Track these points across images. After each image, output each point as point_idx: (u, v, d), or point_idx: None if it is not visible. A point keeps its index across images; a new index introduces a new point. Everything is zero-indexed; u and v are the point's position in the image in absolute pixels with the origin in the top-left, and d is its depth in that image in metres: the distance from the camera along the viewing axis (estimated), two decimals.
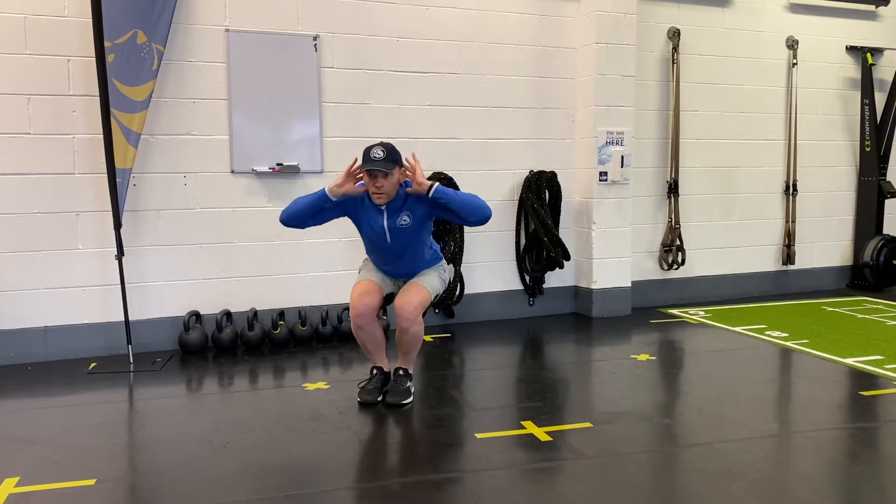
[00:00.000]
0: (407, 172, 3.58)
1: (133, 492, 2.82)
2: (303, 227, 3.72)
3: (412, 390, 3.82)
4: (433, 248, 3.90)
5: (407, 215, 3.61)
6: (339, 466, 2.98)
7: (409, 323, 3.60)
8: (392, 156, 3.50)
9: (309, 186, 5.09)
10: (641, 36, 5.90)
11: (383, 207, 3.60)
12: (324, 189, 3.58)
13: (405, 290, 3.73)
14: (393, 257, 3.76)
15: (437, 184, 3.55)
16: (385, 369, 3.87)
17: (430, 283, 3.80)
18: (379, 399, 3.74)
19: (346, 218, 3.74)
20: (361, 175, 3.57)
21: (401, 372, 3.80)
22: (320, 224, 3.75)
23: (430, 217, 3.70)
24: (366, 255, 3.95)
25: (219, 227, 4.95)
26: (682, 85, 6.20)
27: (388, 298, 3.87)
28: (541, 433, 3.30)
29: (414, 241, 3.70)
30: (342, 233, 5.16)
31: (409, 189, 3.60)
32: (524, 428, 3.36)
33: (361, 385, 3.82)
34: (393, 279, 3.88)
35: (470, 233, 5.48)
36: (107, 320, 4.71)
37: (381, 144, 3.52)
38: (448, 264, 4.03)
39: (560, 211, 5.76)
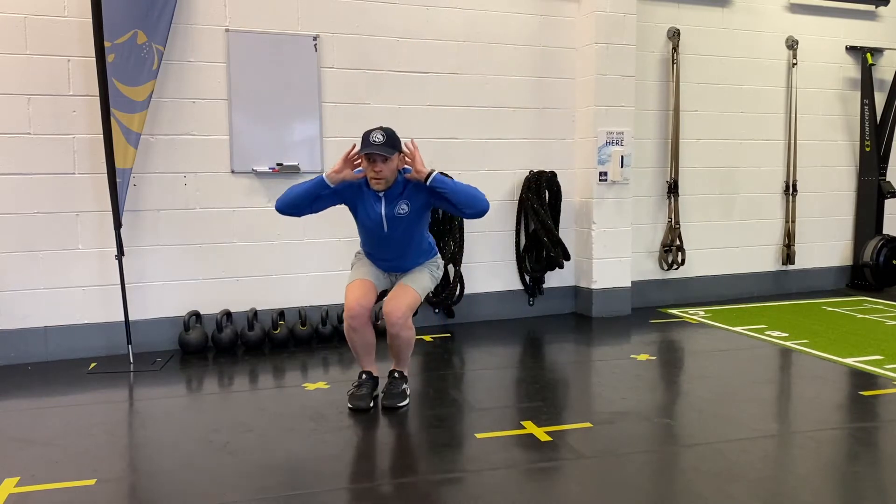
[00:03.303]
0: (406, 159, 3.49)
1: (133, 492, 2.82)
2: (299, 216, 3.64)
3: (408, 392, 3.76)
4: (430, 240, 3.80)
5: (406, 203, 3.52)
6: (339, 466, 2.98)
7: (399, 328, 3.52)
8: (392, 140, 3.43)
9: None
10: (641, 36, 5.90)
11: (381, 194, 3.51)
12: (321, 175, 3.50)
13: (393, 294, 3.60)
14: (389, 248, 3.65)
15: (437, 171, 3.47)
16: (374, 374, 3.75)
17: (421, 283, 3.68)
18: (371, 405, 3.63)
19: (347, 215, 3.72)
20: (360, 161, 3.48)
21: (395, 374, 3.73)
22: (317, 212, 3.66)
23: (429, 207, 3.61)
24: (359, 249, 3.86)
25: (219, 227, 4.95)
26: (682, 85, 6.20)
27: (382, 295, 3.75)
28: (541, 433, 3.30)
29: (411, 231, 3.61)
30: (342, 232, 5.17)
31: (407, 175, 3.50)
32: (524, 428, 3.36)
33: (350, 392, 3.69)
34: (387, 273, 3.77)
35: (470, 233, 5.48)
36: (107, 320, 4.71)
37: (381, 128, 3.43)
38: (440, 259, 3.89)
39: (560, 211, 5.75)
